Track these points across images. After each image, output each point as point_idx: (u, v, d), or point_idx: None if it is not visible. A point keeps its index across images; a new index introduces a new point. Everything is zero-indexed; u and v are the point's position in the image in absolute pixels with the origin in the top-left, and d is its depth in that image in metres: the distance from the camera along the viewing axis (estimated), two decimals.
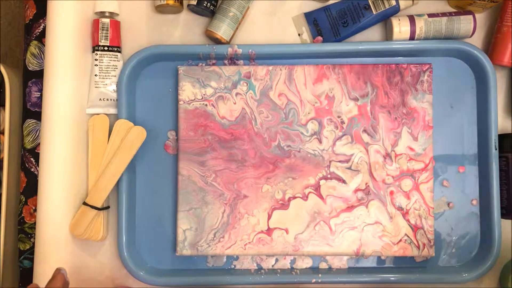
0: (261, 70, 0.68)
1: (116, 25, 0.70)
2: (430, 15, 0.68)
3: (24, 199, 0.72)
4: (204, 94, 0.68)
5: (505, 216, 0.68)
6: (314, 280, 0.67)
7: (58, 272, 0.56)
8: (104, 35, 0.69)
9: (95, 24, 0.70)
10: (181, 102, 0.68)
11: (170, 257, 0.70)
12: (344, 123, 0.68)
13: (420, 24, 0.68)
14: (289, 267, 0.69)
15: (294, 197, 0.68)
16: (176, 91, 0.70)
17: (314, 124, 0.68)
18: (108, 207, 0.70)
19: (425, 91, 0.68)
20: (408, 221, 0.67)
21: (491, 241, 0.67)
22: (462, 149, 0.70)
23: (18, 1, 1.27)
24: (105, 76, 0.70)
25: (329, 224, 0.67)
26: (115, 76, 0.70)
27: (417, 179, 0.67)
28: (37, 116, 0.72)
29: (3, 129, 0.75)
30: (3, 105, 0.75)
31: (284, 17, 0.72)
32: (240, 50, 0.68)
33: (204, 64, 0.70)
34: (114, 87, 0.70)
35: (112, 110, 0.70)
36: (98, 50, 0.69)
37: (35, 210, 0.72)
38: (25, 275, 0.72)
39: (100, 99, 0.70)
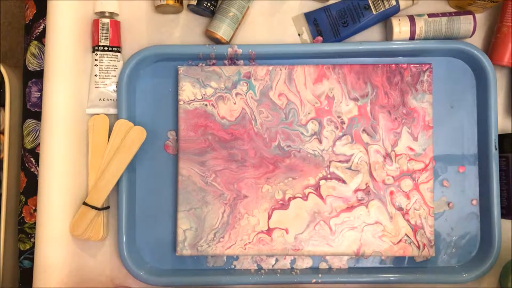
0: (261, 70, 0.68)
1: (116, 25, 0.70)
2: (430, 15, 0.68)
3: (24, 199, 0.72)
4: (204, 94, 0.68)
5: (505, 216, 0.68)
6: (314, 280, 0.67)
7: None
8: (104, 35, 0.69)
9: (95, 24, 0.70)
10: (181, 102, 0.68)
11: (170, 257, 0.70)
12: (344, 123, 0.68)
13: (420, 24, 0.68)
14: (289, 267, 0.69)
15: (294, 197, 0.68)
16: (176, 91, 0.70)
17: (314, 124, 0.68)
18: (108, 207, 0.70)
19: (425, 91, 0.68)
20: (408, 221, 0.67)
21: (491, 241, 0.67)
22: (462, 149, 0.70)
23: (18, 1, 1.26)
24: (105, 76, 0.70)
25: (329, 224, 0.67)
26: (115, 76, 0.70)
27: (417, 179, 0.67)
28: (37, 116, 0.72)
29: (3, 129, 0.75)
30: (3, 105, 0.75)
31: (284, 17, 0.72)
32: (240, 50, 0.68)
33: (204, 64, 0.70)
34: (114, 87, 0.70)
35: (112, 110, 0.70)
36: (98, 50, 0.69)
37: (35, 210, 0.72)
38: (25, 275, 0.72)
39: (100, 99, 0.70)
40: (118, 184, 0.68)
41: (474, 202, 0.69)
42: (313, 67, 0.68)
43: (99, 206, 0.67)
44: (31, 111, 0.73)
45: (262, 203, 0.68)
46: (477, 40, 0.71)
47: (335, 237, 0.67)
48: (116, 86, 0.70)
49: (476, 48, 0.68)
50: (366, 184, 0.68)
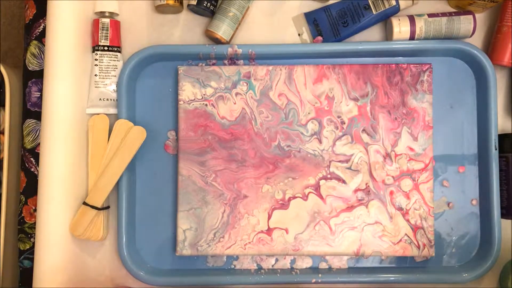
0: (261, 70, 0.68)
1: (116, 25, 0.70)
2: (430, 15, 0.68)
3: (24, 199, 0.72)
4: (204, 94, 0.68)
5: (505, 216, 0.68)
6: (314, 280, 0.67)
7: None
8: (104, 35, 0.69)
9: (95, 24, 0.70)
10: (181, 102, 0.68)
11: (170, 257, 0.70)
12: (344, 123, 0.68)
13: (420, 24, 0.68)
14: (289, 267, 0.69)
15: (294, 197, 0.68)
16: (176, 91, 0.70)
17: (314, 124, 0.68)
18: (108, 207, 0.70)
19: (425, 91, 0.68)
20: (408, 221, 0.67)
21: (491, 241, 0.67)
22: (462, 149, 0.70)
23: (18, 1, 1.27)
24: (105, 76, 0.70)
25: (329, 224, 0.67)
26: (115, 76, 0.70)
27: (417, 179, 0.67)
28: (37, 116, 0.72)
29: (3, 129, 0.75)
30: (3, 105, 0.75)
31: (284, 17, 0.72)
32: (240, 50, 0.68)
33: (204, 64, 0.70)
34: (114, 87, 0.70)
35: (112, 110, 0.70)
36: (98, 50, 0.69)
37: (35, 210, 0.72)
38: (25, 275, 0.72)
39: (100, 99, 0.70)
40: (118, 184, 0.68)
41: (474, 202, 0.69)
42: (313, 67, 0.68)
43: (99, 206, 0.67)
44: (31, 111, 0.73)
45: (262, 203, 0.68)
46: (477, 40, 0.71)
47: (335, 237, 0.67)
48: (116, 86, 0.70)
49: (476, 48, 0.68)
50: (366, 184, 0.68)
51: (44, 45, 0.71)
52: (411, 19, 0.68)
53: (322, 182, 0.68)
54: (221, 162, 0.68)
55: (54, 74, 0.68)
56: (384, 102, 0.68)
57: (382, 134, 0.68)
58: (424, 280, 0.67)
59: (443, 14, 0.68)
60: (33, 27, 0.73)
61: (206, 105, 0.68)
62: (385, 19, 0.70)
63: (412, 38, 0.68)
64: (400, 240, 0.67)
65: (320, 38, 0.70)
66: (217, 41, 0.70)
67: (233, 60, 0.70)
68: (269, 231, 0.67)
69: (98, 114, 0.70)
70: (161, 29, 0.72)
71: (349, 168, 0.68)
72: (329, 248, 0.67)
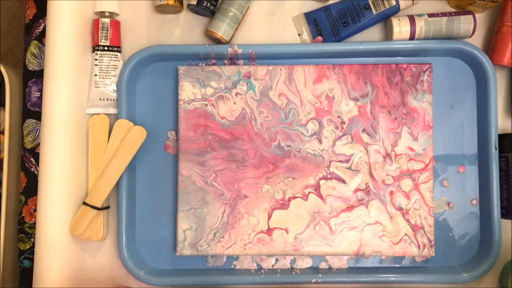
0: (261, 70, 0.68)
1: (116, 25, 0.70)
2: (430, 15, 0.68)
3: (24, 199, 0.72)
4: (204, 94, 0.68)
5: (505, 216, 0.68)
6: (314, 280, 0.67)
7: None
8: (104, 35, 0.69)
9: (95, 24, 0.70)
10: (181, 102, 0.68)
11: (170, 257, 0.70)
12: (344, 123, 0.68)
13: (420, 24, 0.68)
14: (289, 267, 0.69)
15: (294, 197, 0.68)
16: (176, 91, 0.70)
17: (314, 124, 0.68)
18: (108, 207, 0.70)
19: (425, 91, 0.68)
20: (408, 221, 0.67)
21: (491, 241, 0.67)
22: (462, 149, 0.70)
23: (18, 1, 1.27)
24: (105, 76, 0.70)
25: (329, 224, 0.67)
26: (115, 76, 0.70)
27: (417, 179, 0.67)
28: (37, 116, 0.72)
29: (3, 129, 0.75)
30: (3, 105, 0.75)
31: (284, 17, 0.72)
32: (240, 50, 0.68)
33: (204, 64, 0.70)
34: (114, 87, 0.70)
35: (112, 110, 0.70)
36: (98, 50, 0.69)
37: (35, 210, 0.72)
38: (25, 275, 0.72)
39: (100, 99, 0.70)
40: (118, 184, 0.68)
41: (474, 202, 0.69)
42: (313, 67, 0.68)
43: (99, 206, 0.67)
44: (31, 111, 0.73)
45: (262, 203, 0.68)
46: (477, 40, 0.71)
47: (335, 237, 0.67)
48: (116, 86, 0.70)
49: (476, 48, 0.68)
50: (366, 184, 0.68)
51: (44, 45, 0.71)
52: (411, 19, 0.68)
53: (322, 182, 0.68)
54: (221, 162, 0.68)
55: (54, 74, 0.68)
56: (384, 102, 0.68)
57: (382, 134, 0.68)
58: (424, 280, 0.67)
59: (443, 14, 0.68)
60: (33, 27, 0.73)
61: (206, 105, 0.68)
62: (385, 19, 0.70)
63: (412, 38, 0.68)
64: (400, 240, 0.67)
65: (320, 38, 0.70)
66: (217, 41, 0.70)
67: (233, 60, 0.70)
68: (269, 231, 0.67)
69: (98, 114, 0.70)
70: (161, 29, 0.72)
71: (349, 168, 0.68)
72: (329, 248, 0.67)
